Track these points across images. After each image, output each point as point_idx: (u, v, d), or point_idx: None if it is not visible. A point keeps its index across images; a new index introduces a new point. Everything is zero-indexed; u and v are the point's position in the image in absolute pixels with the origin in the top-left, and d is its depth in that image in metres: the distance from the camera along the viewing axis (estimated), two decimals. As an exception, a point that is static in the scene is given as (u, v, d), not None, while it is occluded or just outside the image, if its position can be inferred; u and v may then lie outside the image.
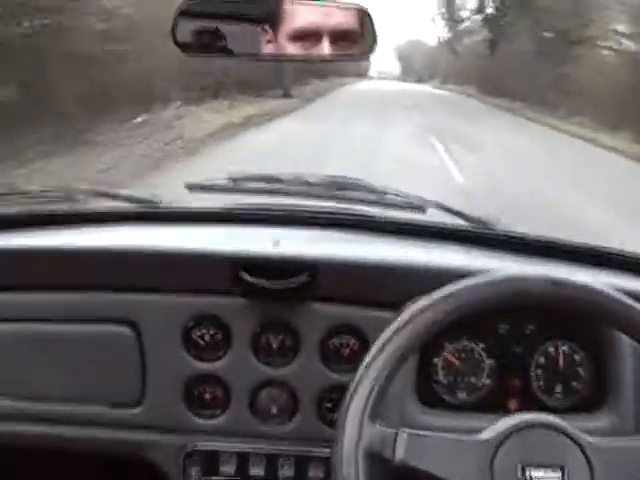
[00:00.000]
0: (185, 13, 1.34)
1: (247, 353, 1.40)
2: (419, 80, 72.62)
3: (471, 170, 10.39)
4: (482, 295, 1.11)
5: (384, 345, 1.09)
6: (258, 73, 20.61)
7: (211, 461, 1.40)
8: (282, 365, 1.41)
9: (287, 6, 1.30)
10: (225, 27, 1.32)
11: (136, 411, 1.41)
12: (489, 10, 36.65)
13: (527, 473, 1.05)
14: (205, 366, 1.41)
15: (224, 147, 11.95)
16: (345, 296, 1.41)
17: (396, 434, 1.06)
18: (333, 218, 1.65)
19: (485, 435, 1.08)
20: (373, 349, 1.09)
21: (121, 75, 12.93)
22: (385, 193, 1.82)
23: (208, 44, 1.33)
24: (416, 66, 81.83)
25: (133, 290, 1.42)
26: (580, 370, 1.40)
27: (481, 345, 1.41)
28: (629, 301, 1.11)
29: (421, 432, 1.09)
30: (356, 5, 1.32)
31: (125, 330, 1.41)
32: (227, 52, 1.35)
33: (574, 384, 1.40)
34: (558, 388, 1.40)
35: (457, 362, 1.41)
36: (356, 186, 1.85)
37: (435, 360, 1.40)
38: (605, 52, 24.94)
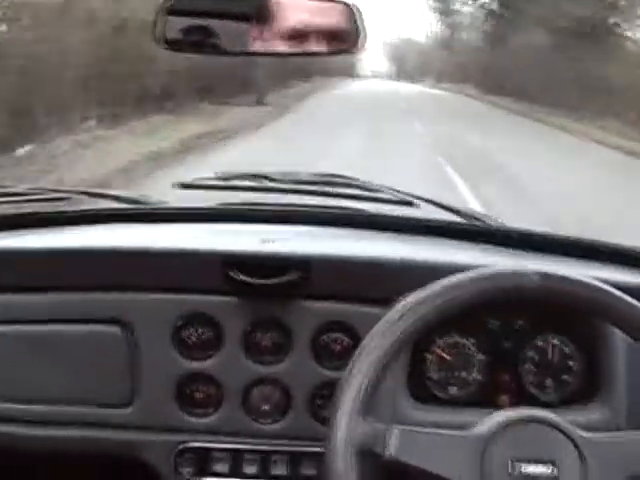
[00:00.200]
0: (168, 11, 1.33)
1: (238, 351, 1.40)
2: (411, 78, 71.10)
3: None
4: (474, 290, 1.11)
5: (375, 340, 1.09)
6: (226, 74, 18.54)
7: (204, 460, 1.40)
8: (274, 363, 1.41)
9: (275, 3, 1.30)
10: (212, 24, 1.31)
11: (128, 411, 1.40)
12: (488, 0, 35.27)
13: (518, 468, 1.05)
14: (196, 365, 1.40)
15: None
16: (336, 293, 1.41)
17: (387, 430, 1.06)
18: (324, 215, 1.65)
19: (476, 430, 1.08)
20: (364, 344, 1.09)
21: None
22: (376, 189, 1.82)
23: (198, 42, 1.33)
24: (408, 64, 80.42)
25: (123, 290, 1.41)
26: (571, 363, 1.40)
27: (472, 340, 1.41)
28: (621, 295, 1.12)
29: (412, 428, 1.09)
30: (345, 2, 1.32)
31: (115, 330, 1.40)
32: (217, 49, 1.34)
33: (565, 378, 1.40)
34: (549, 382, 1.40)
35: (448, 357, 1.41)
36: (347, 182, 1.85)
37: (426, 355, 1.40)
38: (632, 44, 22.27)
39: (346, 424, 1.05)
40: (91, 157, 9.37)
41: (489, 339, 1.40)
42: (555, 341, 1.40)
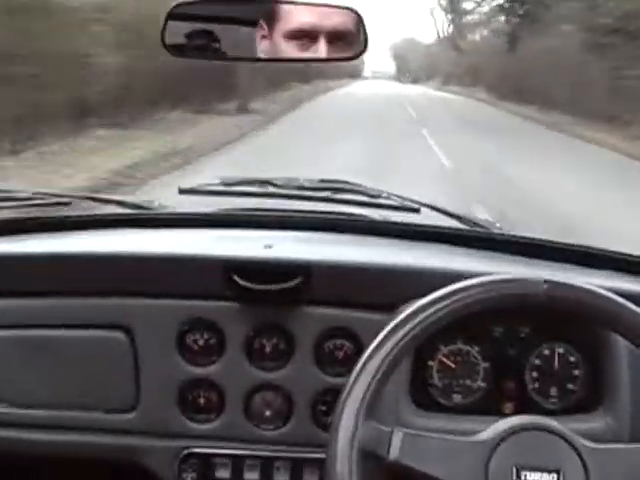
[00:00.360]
0: (176, 16, 1.33)
1: (241, 357, 1.40)
2: (416, 80, 68.68)
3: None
4: (477, 297, 1.11)
5: (379, 347, 1.08)
6: (206, 77, 15.81)
7: (206, 465, 1.40)
8: (276, 369, 1.40)
9: (283, 6, 1.30)
10: (218, 28, 1.32)
11: (130, 416, 1.40)
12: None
13: (522, 476, 1.04)
14: (199, 370, 1.40)
15: None
16: (339, 299, 1.40)
17: (391, 433, 1.05)
18: (326, 221, 1.65)
19: (481, 437, 1.08)
20: (368, 350, 1.09)
21: None
22: (379, 195, 1.82)
23: (202, 46, 1.33)
24: (413, 65, 77.51)
25: (126, 295, 1.41)
26: (576, 372, 1.39)
27: (476, 348, 1.40)
28: (625, 303, 1.11)
29: (416, 432, 1.08)
30: (349, 7, 1.33)
31: (118, 335, 1.40)
32: (221, 54, 1.35)
33: (570, 386, 1.39)
34: (553, 390, 1.40)
35: (452, 365, 1.40)
36: (350, 188, 1.85)
37: (430, 363, 1.40)
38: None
39: (350, 426, 1.04)
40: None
41: (494, 347, 1.40)
42: (560, 349, 1.39)
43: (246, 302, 1.40)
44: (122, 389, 1.40)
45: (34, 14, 10.38)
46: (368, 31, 1.33)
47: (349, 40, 1.33)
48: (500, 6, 32.90)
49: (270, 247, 1.43)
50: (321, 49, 1.31)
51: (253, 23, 1.31)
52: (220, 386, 1.40)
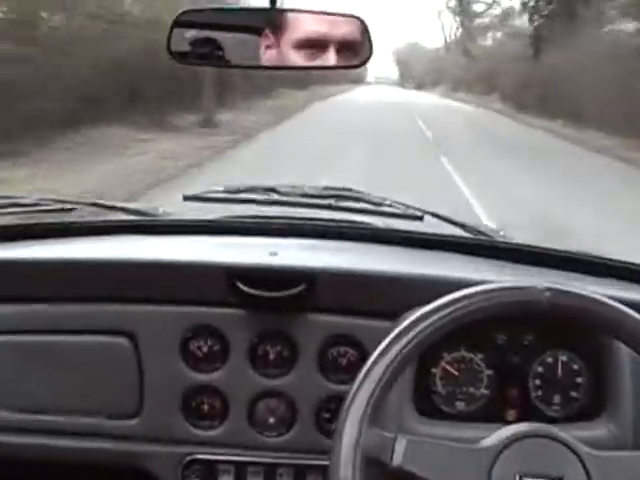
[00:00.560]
0: (182, 23, 1.34)
1: (245, 364, 1.40)
2: (420, 87, 66.27)
3: None
4: (480, 305, 1.11)
5: (383, 354, 1.09)
6: (166, 81, 13.77)
7: (209, 472, 1.40)
8: (280, 376, 1.40)
9: (290, 15, 1.31)
10: (223, 36, 1.32)
11: (134, 422, 1.40)
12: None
13: None
14: (203, 377, 1.40)
15: None
16: (342, 306, 1.41)
17: (395, 439, 1.05)
18: (330, 228, 1.65)
19: (484, 444, 1.08)
20: (372, 358, 1.09)
21: None
22: (383, 203, 1.82)
23: (206, 54, 1.33)
24: (417, 71, 74.99)
25: (130, 301, 1.42)
26: (578, 379, 1.39)
27: (479, 355, 1.40)
28: (628, 310, 1.11)
29: (420, 438, 1.08)
30: (354, 15, 1.33)
31: (122, 341, 1.40)
32: (225, 62, 1.35)
33: (573, 393, 1.39)
34: (557, 398, 1.40)
35: (455, 372, 1.40)
36: (354, 196, 1.86)
37: (433, 370, 1.40)
38: None
39: (353, 433, 1.04)
40: None
41: (497, 354, 1.40)
42: (563, 357, 1.39)
43: (250, 309, 1.40)
44: (125, 395, 1.40)
45: None
46: (373, 38, 1.33)
47: (356, 48, 1.34)
48: (523, 4, 28.83)
49: (274, 254, 1.44)
50: (330, 58, 1.32)
51: (259, 32, 1.31)
52: (224, 393, 1.40)
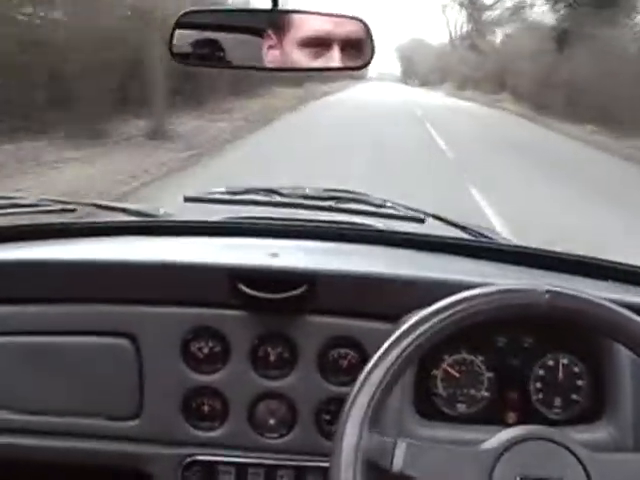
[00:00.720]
0: (183, 24, 1.34)
1: (245, 365, 1.40)
2: (424, 84, 64.18)
3: None
4: (481, 307, 1.11)
5: (383, 356, 1.08)
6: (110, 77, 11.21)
7: (209, 473, 1.40)
8: (280, 377, 1.40)
9: (293, 16, 1.31)
10: (225, 37, 1.32)
11: (134, 423, 1.40)
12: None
13: None
14: (203, 378, 1.40)
15: None
16: (343, 308, 1.40)
17: (395, 443, 1.05)
18: (331, 230, 1.65)
19: (484, 447, 1.08)
20: (372, 360, 1.09)
21: None
22: (384, 205, 1.82)
23: (206, 55, 1.34)
24: (421, 68, 72.51)
25: (131, 302, 1.42)
26: (579, 382, 1.39)
27: (480, 358, 1.40)
28: (628, 313, 1.11)
29: (420, 442, 1.08)
30: (356, 16, 1.33)
31: (123, 342, 1.40)
32: (226, 63, 1.35)
33: (573, 396, 1.39)
34: (557, 401, 1.40)
35: (456, 374, 1.40)
36: (355, 198, 1.86)
37: (434, 372, 1.40)
38: None
39: (353, 436, 1.04)
40: None
41: (498, 357, 1.40)
42: (564, 360, 1.39)
43: (251, 310, 1.40)
44: (126, 396, 1.40)
45: None
46: (375, 39, 1.33)
47: (359, 48, 1.34)
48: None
49: (275, 256, 1.44)
50: (335, 57, 1.32)
51: (261, 32, 1.31)
52: (224, 394, 1.40)
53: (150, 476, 1.41)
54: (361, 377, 1.08)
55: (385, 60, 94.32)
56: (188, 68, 12.50)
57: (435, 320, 1.10)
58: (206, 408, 1.41)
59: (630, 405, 1.32)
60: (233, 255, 1.47)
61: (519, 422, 1.34)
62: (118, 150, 10.51)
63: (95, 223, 1.67)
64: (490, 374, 1.40)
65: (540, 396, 1.40)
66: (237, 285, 1.38)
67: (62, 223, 1.66)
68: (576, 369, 1.39)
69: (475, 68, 39.65)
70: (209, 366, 1.41)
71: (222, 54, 1.32)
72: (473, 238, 1.74)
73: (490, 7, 36.47)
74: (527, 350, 1.40)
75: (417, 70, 75.14)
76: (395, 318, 1.32)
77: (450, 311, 1.10)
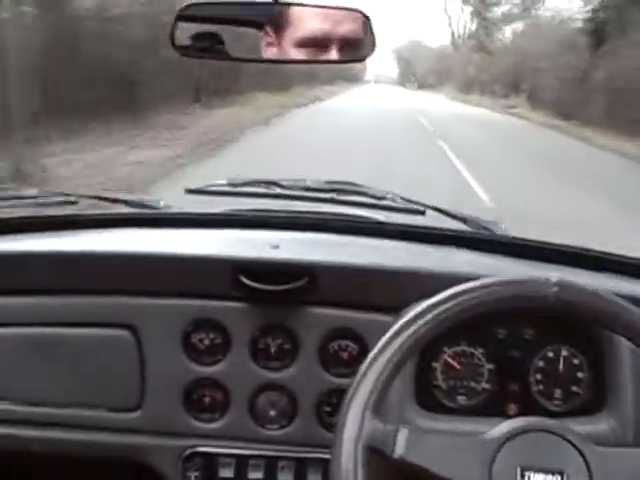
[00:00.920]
0: (185, 17, 1.34)
1: (246, 357, 1.40)
2: (422, 86, 62.18)
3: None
4: (482, 299, 1.11)
5: (384, 348, 1.09)
6: None
7: (210, 465, 1.40)
8: (281, 369, 1.41)
9: (293, 11, 1.30)
10: (225, 30, 1.32)
11: (135, 415, 1.41)
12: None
13: (526, 477, 1.04)
14: (204, 370, 1.41)
15: None
16: (344, 300, 1.41)
17: (396, 430, 1.05)
18: (332, 222, 1.65)
19: (485, 437, 1.08)
20: (373, 351, 1.09)
21: None
22: (385, 197, 1.82)
23: (207, 47, 1.34)
24: (419, 69, 70.82)
25: (132, 294, 1.42)
26: (579, 374, 1.40)
27: (480, 350, 1.40)
28: (629, 305, 1.11)
29: (422, 429, 1.09)
30: (357, 9, 1.33)
31: (124, 334, 1.41)
32: (226, 55, 1.35)
33: (574, 388, 1.40)
34: (558, 392, 1.40)
35: (457, 366, 1.40)
36: (356, 190, 1.85)
37: (434, 364, 1.40)
38: None
39: (354, 425, 1.04)
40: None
41: (498, 349, 1.40)
42: (564, 352, 1.40)
43: (252, 302, 1.40)
44: (127, 388, 1.41)
45: None
46: (375, 33, 1.33)
47: (358, 43, 1.33)
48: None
49: (276, 248, 1.44)
50: (332, 55, 1.31)
51: (261, 26, 1.31)
52: (225, 385, 1.40)
53: (151, 468, 1.41)
54: (362, 369, 1.08)
55: (382, 62, 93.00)
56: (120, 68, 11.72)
57: (436, 312, 1.10)
58: (207, 400, 1.41)
59: (630, 397, 1.33)
60: (234, 247, 1.47)
61: (519, 414, 1.34)
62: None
63: (96, 215, 1.68)
64: (490, 366, 1.41)
65: (540, 388, 1.40)
66: (238, 277, 1.38)
67: (64, 215, 1.66)
68: (576, 361, 1.40)
69: (481, 69, 36.44)
70: (210, 358, 1.41)
71: (222, 47, 1.33)
72: (474, 230, 1.74)
73: (497, 3, 33.77)
74: (527, 342, 1.40)
75: (415, 72, 73.18)
76: (396, 310, 1.32)
77: (451, 303, 1.10)
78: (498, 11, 35.23)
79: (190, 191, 1.83)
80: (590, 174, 11.52)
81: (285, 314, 1.40)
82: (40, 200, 1.74)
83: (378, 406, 1.06)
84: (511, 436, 1.06)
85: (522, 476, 1.04)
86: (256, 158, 10.03)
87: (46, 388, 1.41)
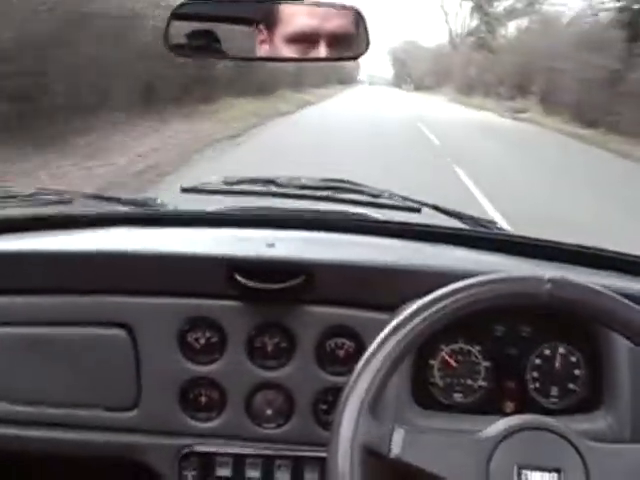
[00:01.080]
0: (179, 16, 1.34)
1: (242, 356, 1.40)
2: (419, 87, 60.52)
3: None
4: (478, 297, 1.11)
5: (381, 346, 1.09)
6: None
7: (207, 464, 1.40)
8: (277, 367, 1.41)
9: (284, 8, 1.30)
10: (219, 29, 1.32)
11: (132, 414, 1.41)
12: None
13: (523, 475, 1.04)
14: (200, 369, 1.40)
15: None
16: (340, 298, 1.41)
17: (392, 430, 1.05)
18: (328, 220, 1.65)
19: (482, 435, 1.08)
20: (370, 349, 1.09)
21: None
22: (380, 195, 1.81)
23: (201, 46, 1.33)
24: (415, 70, 69.17)
25: (128, 293, 1.42)
26: (576, 372, 1.40)
27: (477, 347, 1.40)
28: (626, 302, 1.11)
29: (418, 429, 1.08)
30: (351, 6, 1.32)
31: (120, 333, 1.40)
32: (220, 54, 1.35)
33: (570, 386, 1.40)
34: (554, 390, 1.40)
35: (453, 364, 1.40)
36: (352, 188, 1.85)
37: (431, 362, 1.40)
38: None
39: (351, 424, 1.04)
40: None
41: (495, 346, 1.40)
42: (561, 349, 1.40)
43: (248, 301, 1.40)
44: (123, 387, 1.40)
45: None
46: (370, 31, 1.33)
47: (350, 41, 1.33)
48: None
49: (272, 246, 1.44)
50: (321, 52, 1.31)
51: (255, 23, 1.31)
52: (221, 384, 1.40)
53: (148, 467, 1.41)
54: (358, 366, 1.08)
55: (377, 63, 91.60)
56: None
57: (433, 310, 1.10)
58: (203, 399, 1.41)
59: (628, 395, 1.33)
60: (230, 245, 1.47)
61: (516, 411, 1.34)
62: None
63: (92, 214, 1.67)
64: (487, 363, 1.41)
65: (537, 385, 1.40)
66: (234, 275, 1.38)
67: (59, 214, 1.66)
68: (573, 358, 1.40)
69: (484, 69, 33.21)
70: (206, 357, 1.41)
71: (218, 45, 1.32)
72: (470, 228, 1.74)
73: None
74: (524, 339, 1.40)
75: (411, 73, 71.29)
76: (392, 308, 1.32)
77: (447, 300, 1.10)
78: (500, 6, 33.11)
79: (186, 189, 1.82)
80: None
81: (281, 312, 1.40)
82: (35, 199, 1.73)
83: (374, 405, 1.06)
84: (508, 434, 1.06)
85: (519, 474, 1.04)
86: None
87: (42, 387, 1.41)
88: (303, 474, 1.40)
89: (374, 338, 1.10)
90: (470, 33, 39.86)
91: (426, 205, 1.79)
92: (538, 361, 1.40)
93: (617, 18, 18.42)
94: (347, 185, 1.88)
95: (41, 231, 1.56)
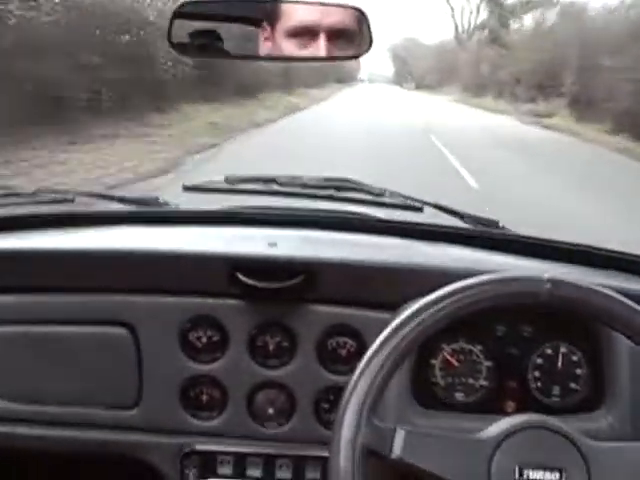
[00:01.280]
0: (182, 14, 1.34)
1: (244, 354, 1.40)
2: (420, 86, 58.81)
3: None
4: (479, 296, 1.11)
5: (382, 345, 1.08)
6: None
7: (208, 462, 1.40)
8: (279, 366, 1.41)
9: (286, 7, 1.30)
10: (222, 28, 1.32)
11: (133, 413, 1.41)
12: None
13: (525, 474, 1.04)
14: (202, 367, 1.40)
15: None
16: (342, 297, 1.41)
17: (394, 430, 1.05)
18: (331, 219, 1.65)
19: (484, 435, 1.08)
20: (371, 348, 1.09)
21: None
22: (382, 194, 1.81)
23: (205, 45, 1.33)
24: (416, 68, 67.53)
25: (129, 292, 1.42)
26: (578, 371, 1.40)
27: (479, 347, 1.40)
28: (627, 302, 1.11)
29: (419, 429, 1.09)
30: (353, 5, 1.32)
31: (122, 332, 1.41)
32: (224, 53, 1.35)
33: (572, 385, 1.40)
34: (556, 389, 1.40)
35: (455, 363, 1.40)
36: (353, 187, 1.85)
37: (433, 361, 1.40)
38: None
39: (353, 424, 1.04)
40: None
41: (496, 345, 1.40)
42: (563, 349, 1.40)
43: (250, 299, 1.40)
44: (125, 386, 1.41)
45: None
46: (372, 30, 1.33)
47: (350, 38, 1.33)
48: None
49: (274, 245, 1.44)
50: (321, 47, 1.31)
51: (258, 22, 1.31)
52: (223, 383, 1.40)
53: (149, 465, 1.41)
54: (360, 365, 1.08)
55: (377, 60, 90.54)
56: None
57: (434, 309, 1.10)
58: (205, 397, 1.41)
59: (629, 394, 1.33)
60: (232, 244, 1.47)
61: (518, 411, 1.34)
62: None
63: (93, 213, 1.67)
64: (489, 363, 1.41)
65: (539, 385, 1.40)
66: (236, 274, 1.38)
67: (61, 213, 1.66)
68: (575, 358, 1.40)
69: (496, 66, 29.82)
70: (208, 355, 1.41)
71: (220, 44, 1.32)
72: (472, 227, 1.74)
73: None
74: (526, 339, 1.40)
75: (412, 71, 69.18)
76: (394, 307, 1.32)
77: (449, 300, 1.10)
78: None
79: (187, 188, 1.82)
80: None
81: (283, 311, 1.40)
82: (37, 198, 1.73)
83: (375, 405, 1.06)
84: (509, 433, 1.06)
85: (521, 473, 1.04)
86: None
87: (43, 386, 1.41)
88: (304, 473, 1.40)
89: (375, 337, 1.10)
90: (479, 27, 36.89)
91: (428, 204, 1.79)
92: (539, 360, 1.40)
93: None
94: (349, 184, 1.88)
95: (43, 230, 1.56)
